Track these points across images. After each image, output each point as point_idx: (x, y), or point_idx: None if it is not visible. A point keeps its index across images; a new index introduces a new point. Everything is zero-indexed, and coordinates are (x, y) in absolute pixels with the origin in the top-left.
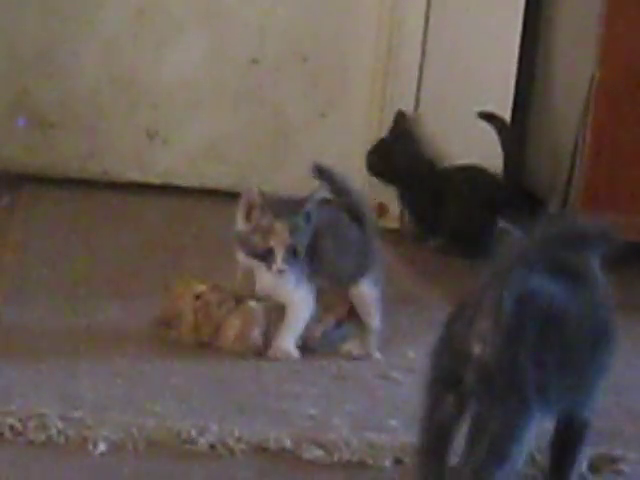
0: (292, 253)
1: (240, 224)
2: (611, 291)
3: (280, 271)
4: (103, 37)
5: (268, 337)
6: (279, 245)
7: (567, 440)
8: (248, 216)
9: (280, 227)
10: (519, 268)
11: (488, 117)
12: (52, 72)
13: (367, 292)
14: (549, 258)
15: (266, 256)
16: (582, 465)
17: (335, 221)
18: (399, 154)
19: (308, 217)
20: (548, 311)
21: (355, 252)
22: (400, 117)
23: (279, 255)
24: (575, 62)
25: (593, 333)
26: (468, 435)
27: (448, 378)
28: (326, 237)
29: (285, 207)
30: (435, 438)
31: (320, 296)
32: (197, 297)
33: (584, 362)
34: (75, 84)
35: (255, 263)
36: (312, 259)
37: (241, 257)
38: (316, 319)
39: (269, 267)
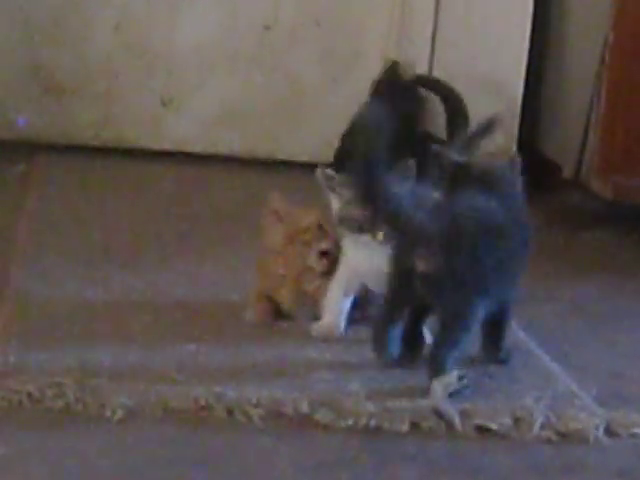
0: None
1: (334, 203)
2: (523, 194)
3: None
4: (117, 4)
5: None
6: None
7: (499, 318)
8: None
9: None
10: (446, 198)
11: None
12: (66, 39)
13: None
14: (472, 173)
15: (369, 226)
16: (599, 429)
17: None
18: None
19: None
20: (481, 228)
21: None
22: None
23: None
24: (589, 24)
25: (517, 236)
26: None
27: (402, 295)
28: None
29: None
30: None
31: None
32: (323, 253)
33: (512, 261)
34: (89, 51)
35: (360, 239)
36: None
37: (347, 240)
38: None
39: (374, 236)
